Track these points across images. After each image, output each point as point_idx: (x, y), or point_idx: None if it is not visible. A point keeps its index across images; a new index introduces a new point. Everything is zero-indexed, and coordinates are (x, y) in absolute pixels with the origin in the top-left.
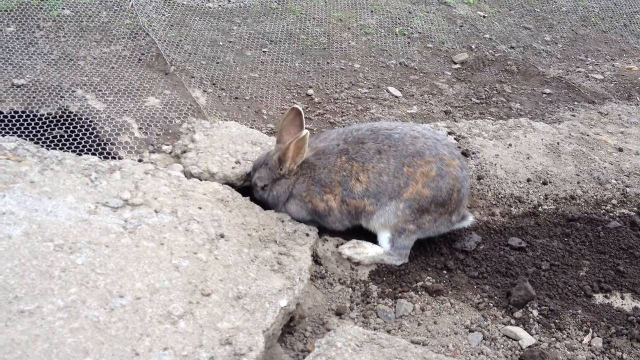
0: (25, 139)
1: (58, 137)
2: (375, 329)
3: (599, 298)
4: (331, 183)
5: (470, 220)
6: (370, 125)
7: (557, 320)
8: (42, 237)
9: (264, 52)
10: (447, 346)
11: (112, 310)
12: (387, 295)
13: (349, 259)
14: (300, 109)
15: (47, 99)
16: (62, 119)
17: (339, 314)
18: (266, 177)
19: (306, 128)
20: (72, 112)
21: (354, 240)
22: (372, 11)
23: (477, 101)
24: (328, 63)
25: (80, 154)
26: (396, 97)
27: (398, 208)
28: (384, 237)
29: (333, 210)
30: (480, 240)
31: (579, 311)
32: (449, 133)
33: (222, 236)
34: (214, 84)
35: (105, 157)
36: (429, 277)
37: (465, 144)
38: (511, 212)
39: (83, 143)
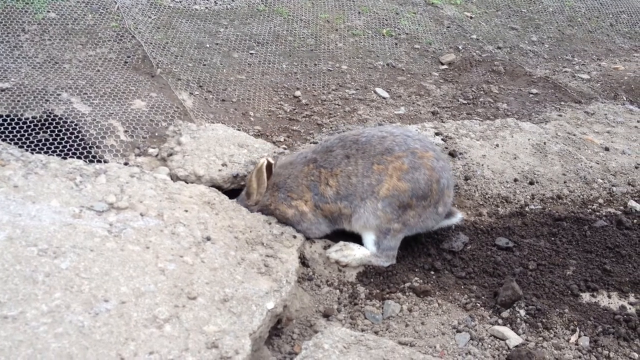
0: (10, 143)
1: (43, 141)
2: (362, 330)
3: (585, 297)
4: (298, 187)
5: (459, 217)
6: (339, 135)
7: (544, 320)
8: (25, 242)
9: (251, 54)
10: (435, 347)
11: (96, 314)
12: (374, 296)
13: (336, 262)
14: (264, 165)
15: (32, 102)
16: (47, 123)
17: (326, 315)
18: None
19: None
20: (57, 116)
21: (341, 243)
22: (359, 12)
23: (465, 102)
24: (315, 64)
25: (65, 158)
26: (384, 98)
27: (377, 208)
28: (369, 239)
29: (306, 214)
30: (468, 241)
31: (566, 310)
32: (436, 134)
33: (208, 239)
34: (200, 86)
35: (91, 161)
36: (416, 278)
37: (452, 144)
38: (498, 212)
39: (68, 147)
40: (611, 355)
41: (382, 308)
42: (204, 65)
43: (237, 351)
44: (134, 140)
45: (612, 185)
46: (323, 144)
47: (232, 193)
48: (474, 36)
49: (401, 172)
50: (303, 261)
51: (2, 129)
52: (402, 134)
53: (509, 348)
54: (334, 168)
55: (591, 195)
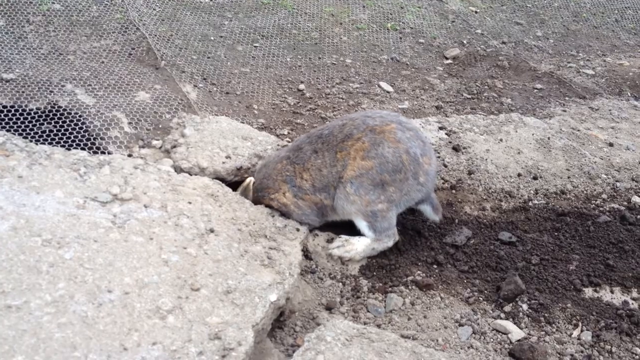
0: (14, 134)
1: (47, 132)
2: (365, 323)
3: (588, 292)
4: (274, 184)
5: None
6: (307, 133)
7: (546, 314)
8: (30, 232)
9: (255, 47)
10: (437, 340)
11: (100, 305)
12: (377, 289)
13: (339, 258)
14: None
15: (36, 93)
16: (51, 114)
17: (329, 308)
18: None
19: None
20: (61, 107)
21: (343, 238)
22: (364, 6)
23: (469, 96)
24: (319, 58)
25: (69, 149)
26: (388, 92)
27: (347, 193)
28: (362, 225)
29: (288, 206)
30: (471, 235)
31: (569, 305)
32: (440, 128)
33: (211, 231)
34: (204, 79)
35: (95, 152)
36: (419, 272)
37: (456, 139)
38: (502, 206)
39: (72, 138)
40: (613, 350)
41: (385, 301)
42: (208, 57)
43: (240, 343)
44: (138, 132)
45: (616, 181)
46: (293, 143)
47: (236, 185)
48: (479, 31)
49: (363, 152)
50: (306, 254)
51: (7, 120)
52: (361, 117)
53: (511, 342)
54: (305, 163)
55: (595, 190)
